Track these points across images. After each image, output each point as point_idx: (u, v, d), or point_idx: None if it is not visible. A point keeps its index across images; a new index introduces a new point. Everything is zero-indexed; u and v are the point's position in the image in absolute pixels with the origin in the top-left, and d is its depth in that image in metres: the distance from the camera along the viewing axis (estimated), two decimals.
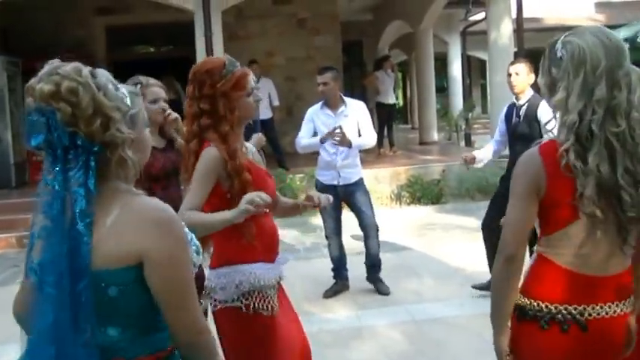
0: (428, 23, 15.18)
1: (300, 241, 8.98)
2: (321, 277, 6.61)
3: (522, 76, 5.55)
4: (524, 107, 5.58)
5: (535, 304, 2.20)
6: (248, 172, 2.86)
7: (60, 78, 1.65)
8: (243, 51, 13.71)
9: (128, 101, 1.78)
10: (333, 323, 5.69)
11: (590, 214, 2.11)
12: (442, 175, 10.75)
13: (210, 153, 2.83)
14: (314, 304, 6.19)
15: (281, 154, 11.97)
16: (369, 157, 13.49)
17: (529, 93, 5.59)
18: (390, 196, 10.67)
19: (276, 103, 12.07)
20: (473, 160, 5.83)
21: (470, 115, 17.66)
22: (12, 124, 12.27)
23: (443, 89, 24.62)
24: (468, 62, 20.82)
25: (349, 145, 6.03)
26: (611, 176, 2.09)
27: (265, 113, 11.95)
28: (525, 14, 12.58)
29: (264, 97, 11.89)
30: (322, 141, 6.10)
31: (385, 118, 13.99)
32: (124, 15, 14.49)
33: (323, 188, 6.18)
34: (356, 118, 6.23)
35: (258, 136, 5.11)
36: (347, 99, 6.33)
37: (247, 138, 3.34)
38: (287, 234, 9.41)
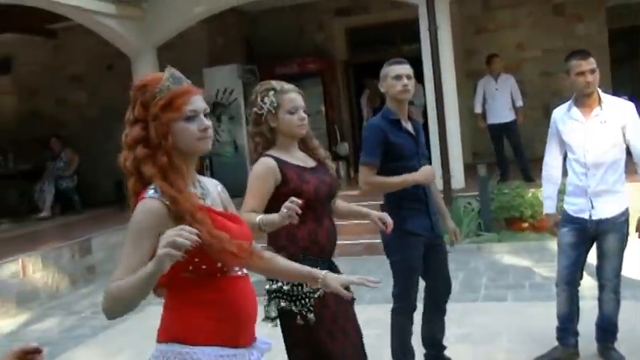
0: None
1: (530, 273, 7.23)
2: (540, 331, 4.92)
3: None
4: None
5: None
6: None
7: None
8: (491, 44, 12.33)
9: None
10: None
11: None
12: None
13: (146, 205, 2.18)
14: None
15: (525, 162, 10.12)
16: None
17: None
18: None
19: (519, 103, 10.26)
20: None
21: None
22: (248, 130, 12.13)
23: None
24: None
25: None
26: None
27: (507, 115, 10.24)
28: None
29: (505, 95, 10.21)
30: None
31: None
32: (362, 15, 13.76)
33: (569, 221, 4.52)
34: (619, 126, 4.38)
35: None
36: (606, 97, 4.45)
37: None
38: (517, 262, 7.78)
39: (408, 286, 4.33)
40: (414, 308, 4.39)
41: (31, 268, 8.19)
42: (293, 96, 3.32)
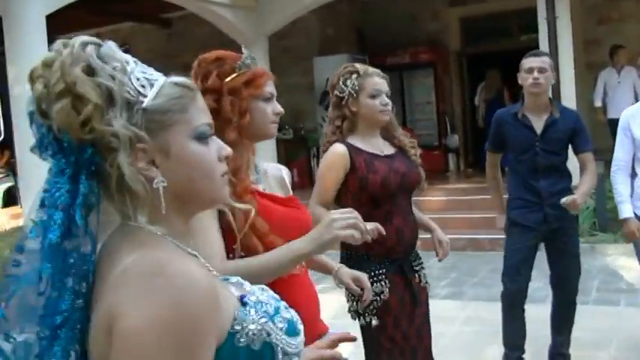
0: None
1: None
2: None
3: None
4: None
5: None
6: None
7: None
8: (613, 35, 11.69)
9: (149, 90, 1.23)
10: None
11: None
12: None
13: None
14: None
15: None
16: None
17: None
18: None
19: None
20: None
21: None
22: None
23: None
24: None
25: None
26: None
27: None
28: None
29: (627, 89, 9.67)
30: None
31: None
32: (477, 4, 13.31)
33: None
34: None
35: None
36: None
37: None
38: (632, 265, 7.30)
39: (508, 272, 4.28)
40: (515, 300, 4.27)
41: None
42: (376, 80, 3.17)
